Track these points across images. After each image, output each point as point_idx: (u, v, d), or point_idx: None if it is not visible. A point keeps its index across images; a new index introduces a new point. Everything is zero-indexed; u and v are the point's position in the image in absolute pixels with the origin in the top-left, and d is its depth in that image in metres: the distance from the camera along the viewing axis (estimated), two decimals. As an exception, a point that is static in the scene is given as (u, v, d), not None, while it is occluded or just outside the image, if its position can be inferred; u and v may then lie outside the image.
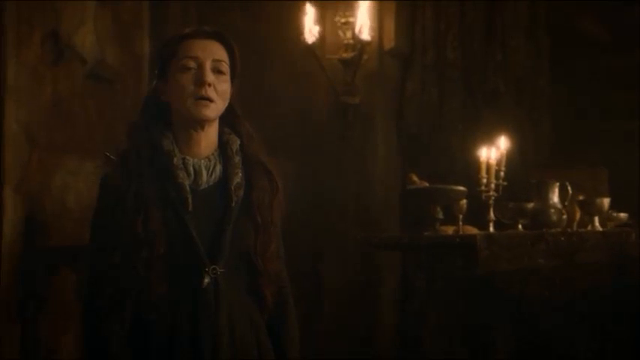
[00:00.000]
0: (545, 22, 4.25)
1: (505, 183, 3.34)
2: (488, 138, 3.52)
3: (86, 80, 3.73)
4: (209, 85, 1.61)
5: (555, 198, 3.29)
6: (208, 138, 1.66)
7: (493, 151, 3.35)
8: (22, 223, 3.38)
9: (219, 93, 1.64)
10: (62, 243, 3.47)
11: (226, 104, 1.67)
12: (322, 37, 4.02)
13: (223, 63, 1.65)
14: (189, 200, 1.59)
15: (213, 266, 1.58)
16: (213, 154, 1.66)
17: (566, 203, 3.33)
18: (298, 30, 3.98)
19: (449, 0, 4.20)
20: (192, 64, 1.62)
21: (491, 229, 3.28)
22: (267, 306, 1.65)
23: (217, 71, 1.64)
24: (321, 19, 4.03)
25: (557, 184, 3.30)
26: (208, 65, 1.62)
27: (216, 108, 1.64)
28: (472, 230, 3.34)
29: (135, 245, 1.55)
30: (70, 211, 3.58)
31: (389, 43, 4.09)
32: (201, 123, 1.64)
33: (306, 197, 3.87)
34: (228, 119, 1.70)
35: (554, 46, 4.28)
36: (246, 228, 1.64)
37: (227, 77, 1.66)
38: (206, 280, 1.57)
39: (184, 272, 1.58)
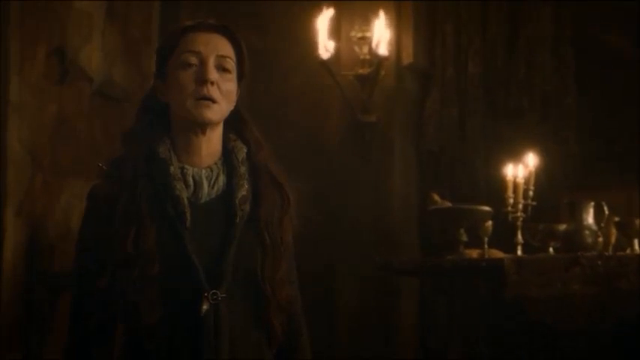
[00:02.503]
0: (570, 36, 4.10)
1: (534, 203, 3.16)
2: (512, 156, 3.37)
3: (93, 99, 3.65)
4: (212, 83, 1.43)
5: (590, 219, 3.11)
6: (211, 144, 1.47)
7: (520, 169, 3.17)
8: (24, 247, 3.27)
9: (224, 93, 1.45)
10: (66, 267, 3.31)
11: (232, 107, 1.49)
12: (337, 52, 3.93)
13: (229, 59, 1.46)
14: (188, 215, 1.41)
15: (214, 291, 1.39)
16: (216, 163, 1.47)
17: (602, 224, 3.13)
18: (312, 45, 3.88)
19: (470, 14, 4.08)
20: (193, 59, 1.44)
21: (520, 252, 3.10)
22: (275, 337, 1.45)
23: (222, 69, 1.46)
24: (336, 34, 3.94)
25: (592, 203, 3.11)
26: (212, 61, 1.44)
27: (219, 110, 1.45)
28: (498, 254, 3.17)
29: (124, 266, 1.37)
30: (75, 234, 3.42)
31: (407, 58, 3.98)
32: (202, 127, 1.45)
33: (321, 219, 3.74)
34: (233, 124, 1.51)
35: (579, 61, 4.13)
36: (252, 248, 1.45)
37: (233, 76, 1.48)
38: (205, 307, 1.38)
39: (180, 298, 1.39)
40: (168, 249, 1.39)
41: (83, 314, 1.41)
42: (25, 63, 3.32)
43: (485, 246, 3.18)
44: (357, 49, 3.91)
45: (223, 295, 1.40)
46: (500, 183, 3.31)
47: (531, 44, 4.06)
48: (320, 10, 3.85)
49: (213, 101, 1.44)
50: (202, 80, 1.43)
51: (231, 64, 1.47)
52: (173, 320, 1.39)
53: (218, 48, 1.45)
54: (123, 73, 3.76)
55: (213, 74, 1.43)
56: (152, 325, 1.37)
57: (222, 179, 1.46)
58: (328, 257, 3.84)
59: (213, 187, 1.45)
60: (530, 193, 3.21)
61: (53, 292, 3.31)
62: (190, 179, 1.44)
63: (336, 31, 3.91)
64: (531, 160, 3.22)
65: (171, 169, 1.43)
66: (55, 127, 3.46)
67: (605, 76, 4.04)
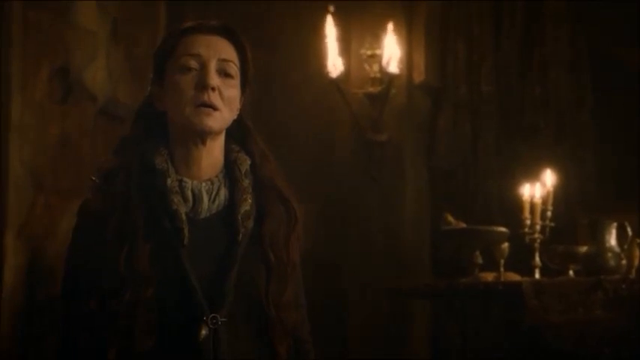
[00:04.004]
0: (587, 53, 4.03)
1: (552, 224, 3.05)
2: (527, 176, 3.28)
3: (96, 118, 3.59)
4: (213, 89, 1.33)
5: (612, 240, 3.00)
6: (211, 156, 1.36)
7: (537, 188, 3.07)
8: (24, 270, 3.20)
9: (226, 100, 1.35)
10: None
11: (234, 115, 1.39)
12: (347, 70, 3.88)
13: (231, 64, 1.36)
14: (186, 231, 1.31)
15: (214, 315, 1.29)
16: (217, 175, 1.37)
17: (625, 246, 3.02)
18: (321, 63, 3.83)
19: (482, 31, 4.02)
20: (193, 63, 1.34)
21: (538, 275, 2.99)
22: (280, 365, 1.34)
23: (224, 74, 1.35)
24: (346, 52, 3.89)
25: (615, 224, 3.00)
26: (213, 66, 1.34)
27: (221, 118, 1.35)
28: (515, 277, 3.06)
29: (117, 287, 1.27)
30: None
31: (418, 76, 3.93)
32: (202, 136, 1.35)
33: (330, 240, 3.67)
34: (236, 134, 1.41)
35: (595, 79, 4.06)
36: (255, 268, 1.34)
37: (236, 82, 1.38)
38: (204, 332, 1.27)
39: (177, 322, 1.29)
40: (165, 269, 1.29)
41: (72, 339, 1.31)
42: (27, 82, 3.28)
43: (502, 269, 3.07)
44: (367, 66, 3.87)
45: (224, 320, 1.30)
46: (516, 203, 3.20)
47: (546, 61, 4.00)
48: (329, 26, 3.80)
49: (214, 108, 1.34)
50: (202, 85, 1.33)
51: (234, 68, 1.37)
52: (169, 346, 1.28)
53: (220, 51, 1.36)
54: (127, 92, 3.72)
55: (215, 79, 1.34)
56: (146, 351, 1.27)
57: (223, 193, 1.36)
58: (337, 280, 3.77)
59: (213, 202, 1.35)
60: (549, 213, 3.10)
61: (54, 317, 3.23)
62: (189, 193, 1.34)
63: (345, 49, 3.87)
64: (549, 178, 3.11)
65: (169, 181, 1.33)
66: (58, 147, 3.43)
67: (623, 93, 3.97)
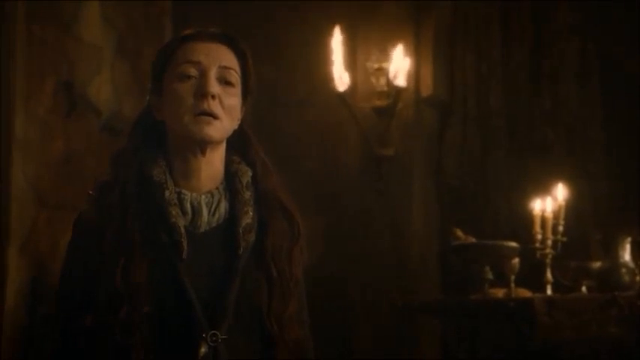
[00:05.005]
0: (598, 67, 3.98)
1: (564, 239, 2.99)
2: (536, 191, 3.23)
3: (101, 133, 3.56)
4: (213, 97, 1.29)
5: (627, 256, 2.94)
6: (211, 167, 1.32)
7: (549, 203, 3.01)
8: (26, 285, 3.17)
9: (226, 109, 1.31)
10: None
11: (235, 125, 1.34)
12: (353, 84, 3.84)
13: (232, 72, 1.32)
14: (185, 245, 1.26)
15: (213, 332, 1.24)
16: (217, 187, 1.32)
17: (639, 262, 2.96)
18: (327, 77, 3.79)
19: (490, 44, 3.98)
20: (192, 71, 1.30)
21: (549, 291, 2.92)
22: (282, 384, 1.28)
23: (224, 81, 1.31)
24: (352, 66, 3.86)
25: (629, 239, 2.94)
26: (213, 73, 1.30)
27: (221, 127, 1.30)
28: (526, 293, 3.00)
29: (112, 303, 1.22)
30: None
31: (426, 90, 3.88)
32: (201, 146, 1.30)
33: (336, 256, 3.62)
34: (237, 145, 1.37)
35: (605, 93, 4.01)
36: (257, 282, 1.29)
37: (237, 90, 1.33)
38: (203, 350, 1.23)
39: (176, 339, 1.24)
40: (162, 284, 1.25)
41: (66, 356, 1.26)
42: (31, 97, 3.27)
43: (512, 285, 3.00)
44: (373, 80, 3.83)
45: (224, 337, 1.25)
46: (526, 218, 3.15)
47: (557, 75, 3.96)
48: (335, 40, 3.77)
49: (215, 117, 1.29)
50: (202, 93, 1.28)
51: (235, 76, 1.33)
52: (166, 365, 1.23)
53: (220, 58, 1.32)
54: (133, 106, 3.68)
55: (215, 87, 1.29)
56: (143, 370, 1.21)
57: (223, 206, 1.32)
58: (343, 296, 3.71)
59: (213, 215, 1.31)
60: (560, 228, 3.04)
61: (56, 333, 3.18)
62: (188, 205, 1.29)
63: (351, 62, 3.84)
64: (560, 192, 3.05)
65: (167, 193, 1.28)
66: (62, 162, 3.42)
67: (635, 106, 3.92)
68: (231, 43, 1.34)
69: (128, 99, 3.69)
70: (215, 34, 1.34)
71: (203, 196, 1.31)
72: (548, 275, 3.01)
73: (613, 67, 4.03)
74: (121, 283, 1.22)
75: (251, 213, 1.31)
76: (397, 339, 3.69)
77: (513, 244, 3.06)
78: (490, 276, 3.03)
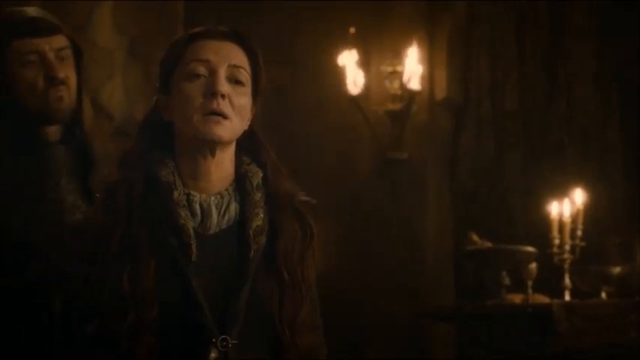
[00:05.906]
0: (613, 69, 3.93)
1: (583, 243, 2.94)
2: (552, 194, 3.17)
3: (113, 138, 3.52)
4: (222, 96, 1.25)
5: (647, 260, 2.87)
6: (221, 168, 1.28)
7: (566, 206, 2.95)
8: None
9: (236, 108, 1.27)
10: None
11: (245, 125, 1.30)
12: (367, 87, 3.84)
13: (242, 71, 1.28)
14: (194, 247, 1.22)
15: (224, 337, 1.20)
16: (227, 189, 1.28)
17: (660, 267, 2.90)
18: (341, 80, 3.76)
19: (505, 47, 3.94)
20: (201, 70, 1.26)
21: (568, 297, 2.87)
22: (294, 392, 1.24)
23: (234, 81, 1.27)
24: (366, 69, 3.84)
25: (649, 243, 2.88)
26: (222, 72, 1.26)
27: (231, 127, 1.26)
28: (544, 299, 2.94)
29: (119, 307, 1.18)
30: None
31: (440, 93, 3.86)
32: (211, 147, 1.26)
33: (349, 261, 3.58)
34: (247, 145, 1.32)
35: (622, 94, 3.95)
36: (268, 286, 1.25)
37: (247, 89, 1.29)
38: (213, 356, 1.19)
39: (184, 345, 1.20)
40: (171, 287, 1.21)
41: None
42: (43, 101, 3.25)
43: (530, 290, 2.95)
44: (387, 83, 3.83)
45: (234, 342, 1.21)
46: (543, 222, 3.09)
47: (572, 77, 3.92)
48: (347, 42, 3.75)
49: (224, 117, 1.25)
50: (212, 93, 1.25)
51: (245, 75, 1.29)
52: (174, 372, 1.20)
53: (230, 57, 1.28)
54: (145, 110, 3.66)
55: (225, 86, 1.25)
56: (150, 377, 1.18)
57: (233, 207, 1.27)
58: (355, 302, 3.68)
59: (223, 217, 1.26)
60: (579, 232, 2.98)
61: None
62: (197, 207, 1.25)
63: (365, 65, 3.83)
64: (579, 196, 3.00)
65: (175, 194, 1.24)
66: (74, 167, 3.37)
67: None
68: (241, 41, 1.30)
69: (140, 104, 3.67)
70: (225, 32, 1.30)
71: (212, 198, 1.27)
72: (567, 280, 2.96)
73: (630, 68, 3.98)
74: (128, 287, 1.19)
75: (262, 215, 1.27)
76: (410, 344, 3.65)
77: (531, 248, 3.01)
78: (507, 281, 2.98)
